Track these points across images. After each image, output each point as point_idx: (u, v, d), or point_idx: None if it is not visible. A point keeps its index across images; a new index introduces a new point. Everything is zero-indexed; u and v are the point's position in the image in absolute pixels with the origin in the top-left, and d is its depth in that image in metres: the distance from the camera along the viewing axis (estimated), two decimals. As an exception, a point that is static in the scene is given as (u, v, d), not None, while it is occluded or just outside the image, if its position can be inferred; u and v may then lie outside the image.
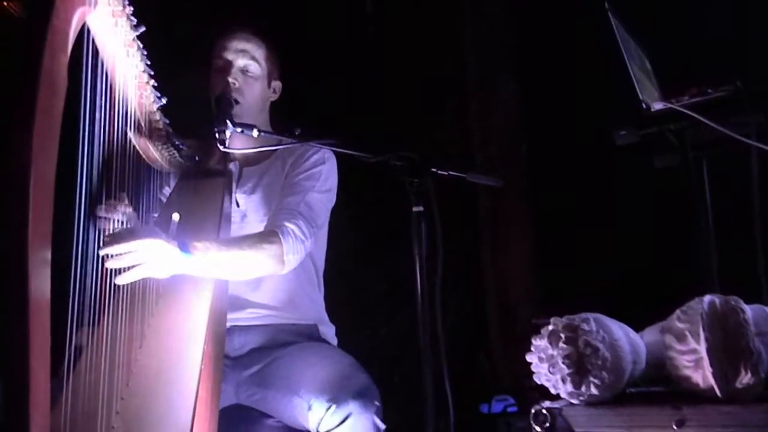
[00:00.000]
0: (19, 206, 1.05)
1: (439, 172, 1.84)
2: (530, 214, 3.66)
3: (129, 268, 1.61)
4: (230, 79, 2.14)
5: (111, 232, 1.65)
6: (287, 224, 1.99)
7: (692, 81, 2.19)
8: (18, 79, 1.10)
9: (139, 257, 1.60)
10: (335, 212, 2.24)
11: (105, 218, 1.79)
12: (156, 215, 2.03)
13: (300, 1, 3.51)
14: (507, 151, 3.71)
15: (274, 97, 2.30)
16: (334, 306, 2.29)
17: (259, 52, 2.21)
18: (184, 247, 1.70)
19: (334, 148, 2.05)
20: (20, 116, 1.08)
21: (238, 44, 2.19)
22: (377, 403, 1.87)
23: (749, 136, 2.06)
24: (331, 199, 2.19)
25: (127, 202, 1.82)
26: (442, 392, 1.75)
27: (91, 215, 1.72)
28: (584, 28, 2.81)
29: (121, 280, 1.59)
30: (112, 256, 1.56)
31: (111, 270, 1.56)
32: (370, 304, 3.38)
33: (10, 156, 1.07)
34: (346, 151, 1.92)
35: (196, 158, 2.11)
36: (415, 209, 1.79)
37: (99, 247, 1.52)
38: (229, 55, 2.18)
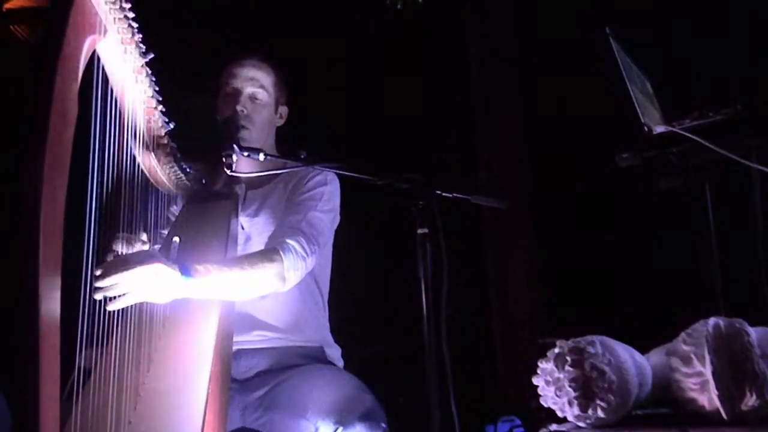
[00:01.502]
0: (30, 231, 1.06)
1: (443, 194, 1.85)
2: (534, 234, 3.67)
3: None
4: (239, 107, 2.16)
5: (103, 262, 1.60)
6: (288, 241, 1.98)
7: (693, 104, 2.21)
8: (29, 107, 1.12)
9: (133, 284, 1.58)
10: (341, 233, 2.24)
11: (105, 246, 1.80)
12: (165, 232, 2.04)
13: (304, 23, 3.54)
14: (511, 170, 3.72)
15: (281, 122, 2.32)
16: (340, 326, 2.29)
17: (268, 79, 2.24)
18: (184, 271, 1.69)
19: (339, 171, 2.06)
20: (31, 143, 1.09)
21: (248, 72, 2.21)
22: (384, 425, 1.87)
23: (750, 158, 2.07)
24: (333, 219, 2.19)
25: (145, 238, 1.82)
26: (449, 413, 1.75)
27: (108, 246, 1.73)
28: (588, 51, 2.83)
29: (113, 306, 1.55)
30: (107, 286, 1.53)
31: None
32: (376, 325, 3.38)
33: (21, 182, 1.08)
34: (351, 174, 1.94)
35: (203, 181, 2.11)
36: (420, 231, 1.80)
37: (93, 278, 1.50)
38: (239, 83, 2.19)
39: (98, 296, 1.50)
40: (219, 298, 1.83)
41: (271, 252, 1.96)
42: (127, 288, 1.57)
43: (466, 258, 3.67)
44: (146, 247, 1.81)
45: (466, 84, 3.85)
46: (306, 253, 2.00)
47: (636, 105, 2.18)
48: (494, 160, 3.81)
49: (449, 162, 3.68)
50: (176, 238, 1.79)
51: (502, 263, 3.76)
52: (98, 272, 1.53)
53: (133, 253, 1.67)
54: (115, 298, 1.56)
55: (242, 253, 2.09)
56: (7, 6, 2.77)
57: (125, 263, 1.58)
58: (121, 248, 1.74)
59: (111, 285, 1.54)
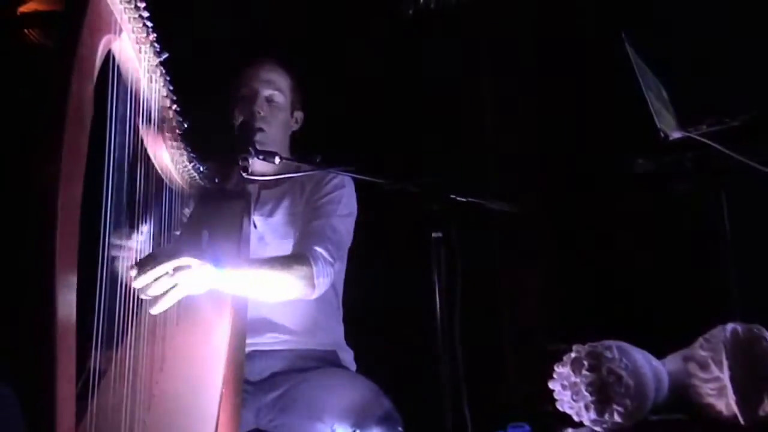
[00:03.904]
0: (46, 232, 1.06)
1: (457, 198, 1.85)
2: (546, 238, 3.65)
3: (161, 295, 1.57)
4: (255, 109, 2.17)
5: (138, 259, 1.59)
6: (317, 248, 1.99)
7: (710, 109, 2.20)
8: (45, 108, 1.12)
9: (177, 278, 1.57)
10: (355, 237, 2.24)
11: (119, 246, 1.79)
12: (178, 233, 2.04)
13: (317, 27, 3.54)
14: (523, 176, 3.70)
15: (296, 126, 2.33)
16: (352, 331, 2.28)
17: (285, 82, 2.25)
18: (216, 262, 1.69)
19: (354, 175, 2.06)
20: (47, 144, 1.09)
21: (264, 74, 2.23)
22: (401, 429, 1.88)
23: (766, 164, 2.06)
24: (352, 222, 2.20)
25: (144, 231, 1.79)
26: (461, 418, 1.74)
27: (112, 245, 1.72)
28: (602, 55, 2.82)
29: (156, 309, 1.55)
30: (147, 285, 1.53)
31: (135, 292, 1.53)
32: (389, 330, 3.36)
33: (37, 183, 1.08)
34: (365, 177, 1.94)
35: (216, 180, 2.12)
36: (434, 235, 1.80)
37: (128, 279, 1.49)
38: (256, 85, 2.21)
39: (147, 295, 1.52)
40: (247, 295, 1.83)
41: (301, 258, 1.97)
42: (170, 283, 1.56)
43: (477, 262, 3.65)
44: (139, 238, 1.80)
45: (477, 86, 3.83)
46: (333, 259, 2.01)
47: (652, 110, 2.17)
48: (505, 165, 3.78)
49: (459, 167, 3.66)
50: (205, 232, 1.79)
51: (513, 268, 3.74)
52: (133, 272, 1.52)
53: (163, 248, 1.67)
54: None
55: (255, 253, 2.08)
56: (21, 9, 2.79)
57: (159, 258, 1.57)
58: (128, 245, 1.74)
59: (152, 281, 1.53)
